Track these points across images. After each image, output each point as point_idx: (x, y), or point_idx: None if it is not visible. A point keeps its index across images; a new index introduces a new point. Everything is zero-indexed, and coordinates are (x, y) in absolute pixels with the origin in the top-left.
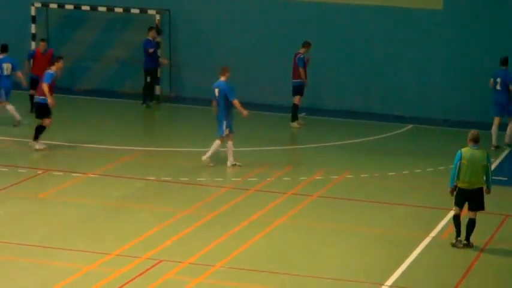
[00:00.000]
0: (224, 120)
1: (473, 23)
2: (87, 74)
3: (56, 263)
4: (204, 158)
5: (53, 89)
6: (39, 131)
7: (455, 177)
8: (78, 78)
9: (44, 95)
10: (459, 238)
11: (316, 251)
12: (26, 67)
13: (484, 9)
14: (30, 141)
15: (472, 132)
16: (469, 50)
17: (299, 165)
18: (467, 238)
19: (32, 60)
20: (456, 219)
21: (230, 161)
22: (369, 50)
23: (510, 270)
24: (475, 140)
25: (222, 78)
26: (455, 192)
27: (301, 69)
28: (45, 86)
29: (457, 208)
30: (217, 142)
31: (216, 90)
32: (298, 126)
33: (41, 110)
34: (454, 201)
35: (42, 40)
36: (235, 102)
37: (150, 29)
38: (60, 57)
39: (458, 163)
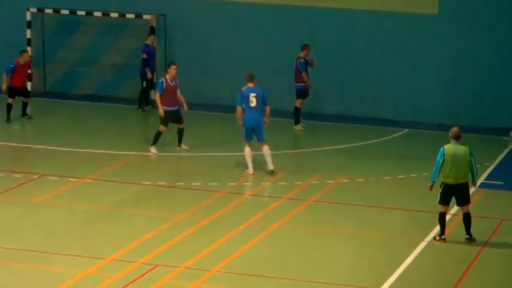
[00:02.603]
0: (262, 125)
1: (468, 27)
2: (83, 79)
3: (51, 267)
4: (271, 168)
5: None
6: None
7: (439, 173)
8: (73, 83)
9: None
10: (443, 236)
11: (313, 256)
12: (3, 80)
13: (479, 14)
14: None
15: (452, 130)
16: (464, 55)
17: (295, 170)
18: (468, 232)
19: (12, 73)
20: (442, 217)
21: (270, 166)
22: (364, 55)
23: (506, 275)
24: (456, 137)
25: (252, 84)
26: (440, 189)
27: (303, 74)
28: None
29: (442, 206)
30: (267, 147)
31: (253, 95)
32: (301, 129)
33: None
34: (439, 199)
35: (24, 51)
36: (269, 107)
37: (150, 34)
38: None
39: (441, 159)
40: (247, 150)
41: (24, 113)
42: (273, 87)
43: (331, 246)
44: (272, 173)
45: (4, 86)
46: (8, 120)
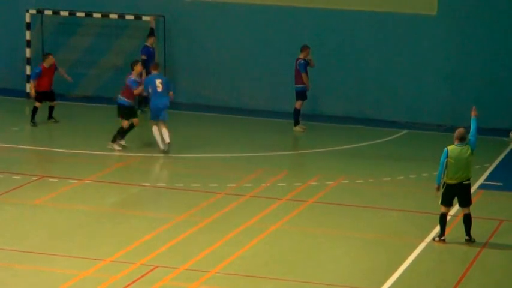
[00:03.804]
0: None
1: (467, 27)
2: (83, 81)
3: (51, 269)
4: (167, 140)
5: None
6: (122, 132)
7: (443, 175)
8: (73, 85)
9: (130, 98)
10: (443, 237)
11: (312, 257)
12: (31, 87)
13: (478, 14)
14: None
15: (459, 130)
16: (463, 55)
17: (294, 171)
18: (468, 233)
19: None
20: (443, 218)
21: (167, 139)
22: (363, 56)
23: (505, 276)
24: (461, 139)
25: (157, 72)
26: (442, 190)
27: (303, 75)
28: (136, 90)
29: (444, 207)
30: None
31: (159, 81)
32: (301, 130)
33: (127, 112)
34: (441, 200)
35: (48, 54)
36: (172, 93)
37: (149, 35)
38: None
39: (445, 161)
40: (155, 128)
41: (50, 116)
42: (272, 88)
43: (331, 247)
44: (168, 145)
45: (32, 92)
46: (34, 123)
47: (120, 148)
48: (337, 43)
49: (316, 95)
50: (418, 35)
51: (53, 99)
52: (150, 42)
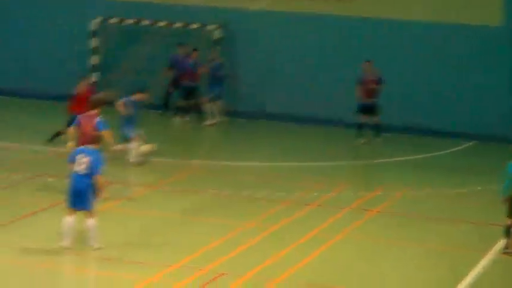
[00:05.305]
0: None
1: None
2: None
3: (119, 274)
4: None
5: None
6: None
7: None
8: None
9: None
10: (508, 250)
11: (376, 266)
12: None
13: None
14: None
15: None
16: None
17: (359, 181)
18: None
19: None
20: (508, 230)
21: None
22: (430, 67)
23: None
24: None
25: None
26: (508, 202)
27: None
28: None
29: (510, 219)
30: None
31: None
32: (363, 142)
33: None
34: (507, 212)
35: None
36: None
37: (179, 45)
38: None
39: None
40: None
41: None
42: (337, 98)
43: (395, 257)
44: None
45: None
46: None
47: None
48: (405, 55)
49: (383, 105)
50: (485, 46)
51: None
52: (181, 51)
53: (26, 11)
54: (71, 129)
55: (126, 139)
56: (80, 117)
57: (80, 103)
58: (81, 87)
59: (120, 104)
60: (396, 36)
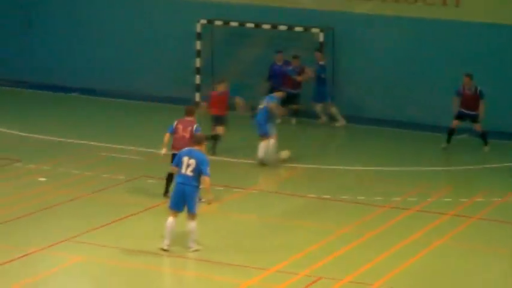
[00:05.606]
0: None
1: None
2: (250, 91)
3: (215, 277)
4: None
5: None
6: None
7: None
8: (241, 95)
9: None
10: None
11: (477, 274)
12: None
13: None
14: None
15: None
16: None
17: (460, 186)
18: None
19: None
20: None
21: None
22: None
23: None
24: None
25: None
26: None
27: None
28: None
29: None
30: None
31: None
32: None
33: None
34: None
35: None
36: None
37: (278, 52)
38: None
39: None
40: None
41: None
42: (439, 102)
43: (496, 266)
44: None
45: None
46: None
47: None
48: (501, 58)
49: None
50: None
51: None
52: (277, 58)
53: (128, 13)
54: (166, 135)
55: (266, 135)
56: (176, 122)
57: (220, 104)
58: (220, 89)
59: (275, 105)
60: (499, 40)
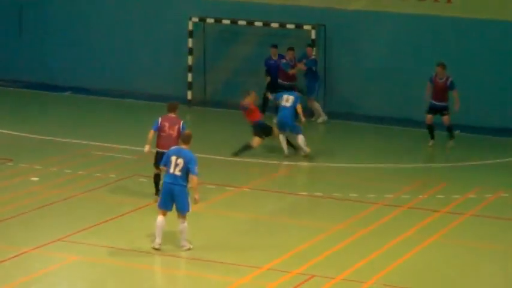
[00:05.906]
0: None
1: None
2: (242, 89)
3: (207, 275)
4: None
5: None
6: None
7: None
8: (233, 92)
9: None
10: None
11: (470, 271)
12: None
13: None
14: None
15: None
16: None
17: (452, 183)
18: None
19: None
20: None
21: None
22: None
23: None
24: None
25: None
26: None
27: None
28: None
29: None
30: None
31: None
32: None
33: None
34: None
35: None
36: (299, 106)
37: (272, 47)
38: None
39: None
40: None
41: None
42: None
43: (489, 262)
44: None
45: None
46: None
47: None
48: (495, 54)
49: (473, 106)
50: None
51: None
52: (272, 53)
53: (120, 11)
54: (151, 132)
55: (296, 130)
56: (160, 120)
57: (254, 113)
58: (249, 101)
59: (301, 106)
60: (496, 36)
